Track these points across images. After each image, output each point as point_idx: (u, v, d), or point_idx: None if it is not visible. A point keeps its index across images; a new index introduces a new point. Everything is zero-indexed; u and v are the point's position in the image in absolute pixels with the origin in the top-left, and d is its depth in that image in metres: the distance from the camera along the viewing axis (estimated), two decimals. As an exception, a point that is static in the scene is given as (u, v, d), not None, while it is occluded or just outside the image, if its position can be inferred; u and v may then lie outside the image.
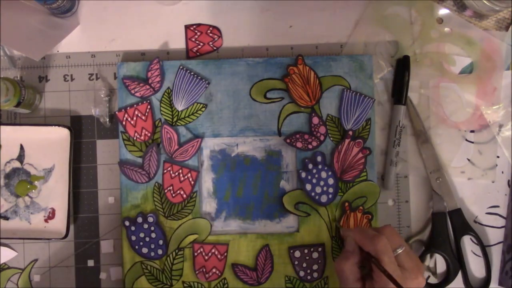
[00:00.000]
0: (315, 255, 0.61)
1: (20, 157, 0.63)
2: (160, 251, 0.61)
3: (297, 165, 0.62)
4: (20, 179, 0.63)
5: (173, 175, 0.61)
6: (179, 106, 0.62)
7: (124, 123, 0.61)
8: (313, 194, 0.61)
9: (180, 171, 0.61)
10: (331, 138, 0.62)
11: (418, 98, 0.64)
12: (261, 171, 0.62)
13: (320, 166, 0.61)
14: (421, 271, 0.51)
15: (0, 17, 0.60)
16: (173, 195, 0.61)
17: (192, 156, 0.62)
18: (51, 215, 0.63)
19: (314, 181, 0.61)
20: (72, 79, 0.64)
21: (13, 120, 0.64)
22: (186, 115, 0.62)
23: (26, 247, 0.64)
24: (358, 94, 0.62)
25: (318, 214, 0.61)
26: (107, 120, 0.63)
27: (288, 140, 0.62)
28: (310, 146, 0.62)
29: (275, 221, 0.62)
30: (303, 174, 0.61)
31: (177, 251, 0.61)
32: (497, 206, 0.64)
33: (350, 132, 0.61)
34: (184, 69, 0.62)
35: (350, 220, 0.61)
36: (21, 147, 0.63)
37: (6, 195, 0.63)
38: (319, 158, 0.61)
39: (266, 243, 0.61)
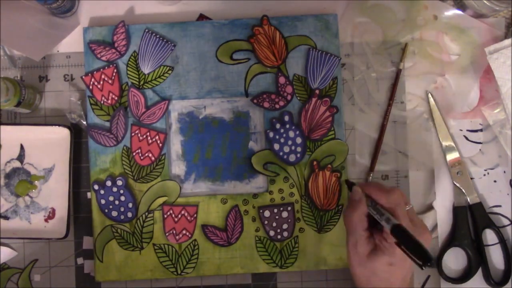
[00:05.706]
0: (284, 214, 0.61)
1: (20, 157, 0.63)
2: (129, 214, 0.61)
3: (265, 125, 0.62)
4: (20, 178, 0.63)
5: (141, 138, 0.61)
6: (146, 69, 0.62)
7: (91, 87, 0.61)
8: (281, 153, 0.61)
9: (148, 133, 0.61)
10: (298, 98, 0.62)
11: (417, 98, 0.64)
12: (229, 133, 0.62)
13: (287, 126, 0.61)
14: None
15: (0, 17, 0.60)
16: (142, 157, 0.61)
17: (159, 119, 0.62)
18: (51, 215, 0.63)
19: (282, 140, 0.61)
20: (72, 79, 0.64)
21: (13, 120, 0.64)
22: (153, 78, 0.62)
23: (26, 247, 0.63)
24: (324, 53, 0.62)
25: (287, 173, 0.62)
26: (85, 123, 0.62)
27: (255, 101, 0.62)
28: (277, 106, 0.62)
29: (244, 181, 0.62)
30: (271, 134, 0.61)
31: (147, 213, 0.61)
32: (500, 206, 0.63)
33: (317, 91, 0.61)
34: (150, 32, 0.62)
35: (319, 178, 0.61)
36: (21, 147, 0.63)
37: (6, 194, 0.63)
38: (286, 118, 0.61)
39: (236, 204, 0.61)
